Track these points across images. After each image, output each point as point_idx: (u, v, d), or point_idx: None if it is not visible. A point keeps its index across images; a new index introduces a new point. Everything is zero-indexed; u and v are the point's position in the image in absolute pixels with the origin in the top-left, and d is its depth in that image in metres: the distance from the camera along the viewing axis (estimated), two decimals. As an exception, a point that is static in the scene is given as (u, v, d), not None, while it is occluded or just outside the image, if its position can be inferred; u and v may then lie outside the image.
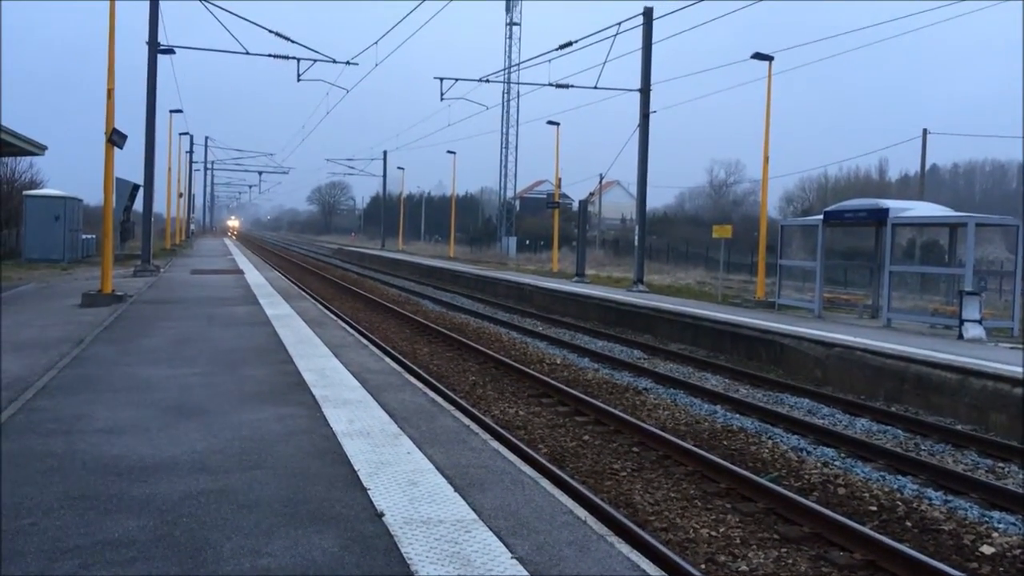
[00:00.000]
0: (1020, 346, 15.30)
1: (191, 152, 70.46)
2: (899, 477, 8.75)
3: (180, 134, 58.31)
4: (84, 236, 37.88)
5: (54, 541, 4.38)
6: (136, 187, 33.79)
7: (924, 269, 22.40)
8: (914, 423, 11.24)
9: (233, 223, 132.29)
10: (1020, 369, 11.68)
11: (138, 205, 33.15)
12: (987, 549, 6.76)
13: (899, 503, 7.86)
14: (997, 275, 26.39)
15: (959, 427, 11.09)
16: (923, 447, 10.21)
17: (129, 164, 24.80)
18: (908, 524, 7.37)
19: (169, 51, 27.70)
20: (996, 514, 7.64)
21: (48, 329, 13.17)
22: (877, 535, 6.62)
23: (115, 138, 17.72)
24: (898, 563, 6.15)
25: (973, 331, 15.80)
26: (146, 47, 25.84)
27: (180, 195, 64.76)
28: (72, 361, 10.08)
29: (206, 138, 76.66)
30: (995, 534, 7.09)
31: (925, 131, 43.50)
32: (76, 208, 35.62)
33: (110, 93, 17.52)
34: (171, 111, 47.50)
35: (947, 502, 7.94)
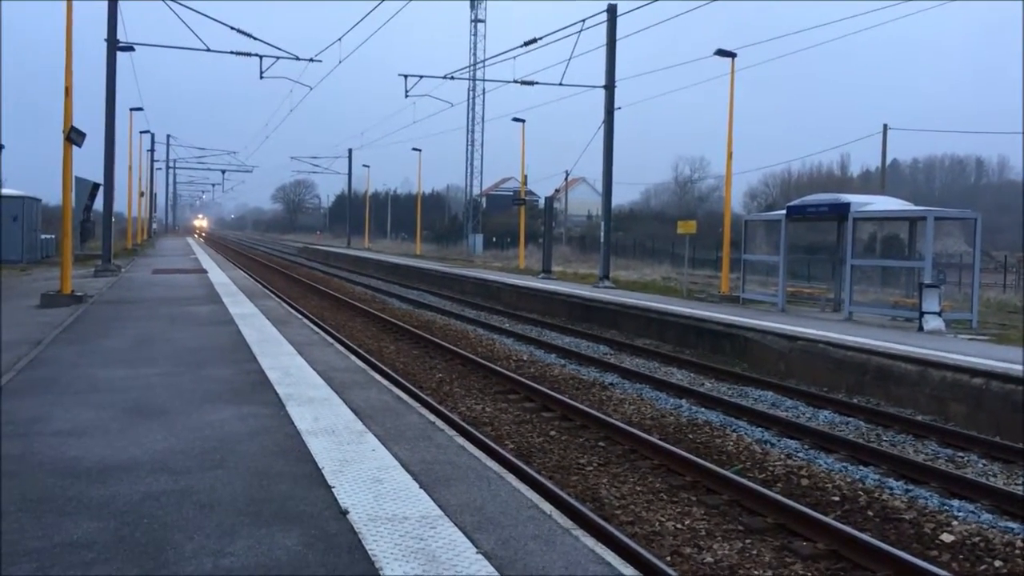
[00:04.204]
0: (980, 337, 15.56)
1: (152, 150, 69.69)
2: (861, 467, 8.86)
3: (141, 132, 57.63)
4: (43, 236, 37.22)
5: (11, 544, 4.29)
6: (96, 186, 33.33)
7: (885, 262, 22.68)
8: (875, 414, 11.39)
9: (200, 222, 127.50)
10: (979, 360, 11.88)
11: (98, 204, 32.73)
12: (947, 537, 6.86)
13: (861, 493, 7.96)
14: (956, 268, 26.79)
15: (919, 418, 11.25)
16: (884, 438, 10.35)
17: (89, 163, 24.50)
18: (870, 513, 7.47)
19: (128, 48, 27.30)
20: (956, 503, 7.76)
21: (5, 331, 12.93)
22: (840, 525, 6.70)
23: (74, 136, 17.44)
24: (860, 552, 6.23)
25: (933, 323, 16.03)
26: (104, 44, 25.46)
27: (141, 194, 63.91)
28: (30, 363, 9.90)
29: (168, 136, 75.82)
30: (955, 522, 7.20)
31: (886, 127, 44.17)
32: (34, 208, 35.01)
33: (68, 91, 17.24)
34: (131, 109, 46.92)
35: (908, 491, 8.05)
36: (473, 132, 68.50)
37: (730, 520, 7.12)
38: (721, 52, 24.41)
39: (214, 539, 4.43)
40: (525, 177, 43.67)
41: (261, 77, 27.13)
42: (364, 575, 4.03)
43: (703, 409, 11.47)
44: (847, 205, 18.49)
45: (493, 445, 8.71)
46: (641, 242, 54.80)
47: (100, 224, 33.66)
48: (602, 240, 28.59)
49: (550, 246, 34.16)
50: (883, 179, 46.83)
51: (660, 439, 9.47)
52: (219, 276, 26.48)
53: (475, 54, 63.39)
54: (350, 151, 74.98)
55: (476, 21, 66.10)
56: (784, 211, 20.72)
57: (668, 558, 6.27)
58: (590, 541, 4.60)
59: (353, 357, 11.16)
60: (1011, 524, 7.21)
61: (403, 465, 5.88)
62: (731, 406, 11.54)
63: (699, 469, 8.19)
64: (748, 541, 6.66)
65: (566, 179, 58.15)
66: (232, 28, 24.66)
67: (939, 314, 16.23)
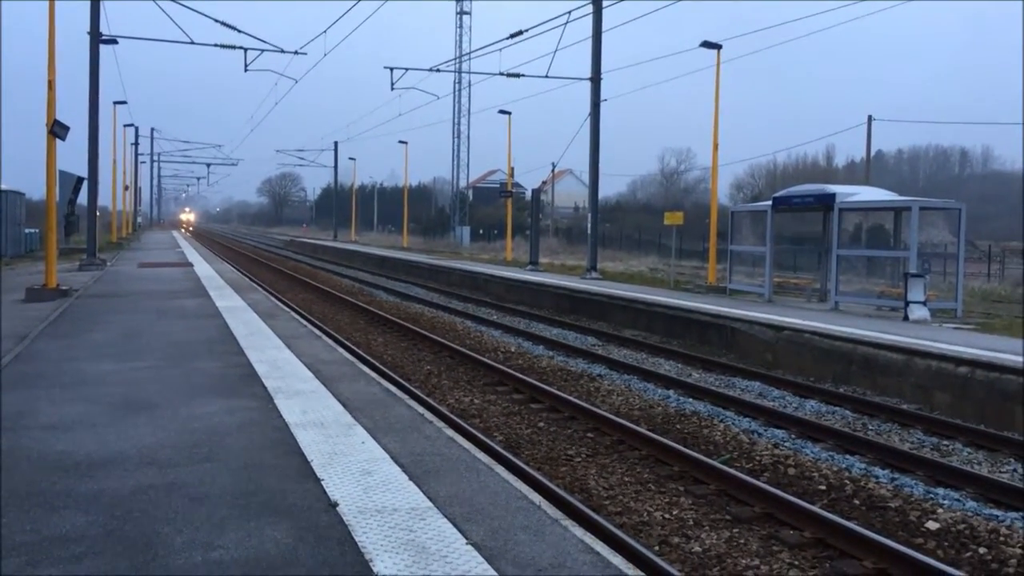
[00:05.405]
0: (965, 326, 15.67)
1: (136, 144, 69.31)
2: (847, 456, 8.92)
3: (125, 126, 57.29)
4: (27, 230, 37.02)
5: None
6: (80, 180, 33.08)
7: (870, 252, 22.80)
8: (861, 403, 11.46)
9: (187, 216, 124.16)
10: (964, 349, 11.97)
11: (82, 198, 32.48)
12: (932, 525, 6.92)
13: (847, 482, 8.01)
14: (941, 257, 26.96)
15: (905, 406, 11.33)
16: (870, 427, 10.43)
17: (72, 156, 24.31)
18: (856, 502, 7.52)
19: (112, 41, 27.10)
20: (941, 491, 7.83)
21: (-10, 325, 12.85)
22: (826, 513, 6.74)
23: (57, 130, 17.31)
24: (847, 540, 6.28)
25: (918, 312, 16.13)
26: (88, 37, 25.28)
27: (126, 188, 63.59)
28: (15, 358, 9.85)
29: (152, 130, 75.58)
30: (940, 510, 7.26)
31: (870, 118, 44.30)
32: (18, 202, 34.82)
33: (51, 84, 17.13)
34: (115, 102, 46.56)
35: (893, 480, 8.12)
36: (459, 124, 68.33)
37: (718, 509, 7.16)
38: (707, 44, 24.46)
39: (204, 532, 4.43)
40: (512, 169, 43.62)
41: (246, 70, 27.04)
42: (354, 567, 4.04)
43: (691, 399, 11.51)
44: (832, 196, 18.58)
45: (482, 437, 8.73)
46: (628, 233, 54.88)
47: (84, 218, 33.45)
48: (589, 232, 28.60)
49: (537, 238, 34.18)
50: (868, 170, 47.01)
51: (648, 430, 9.50)
52: (205, 269, 26.38)
53: (461, 47, 63.19)
54: (336, 144, 74.83)
55: (461, 14, 65.88)
56: (770, 202, 20.79)
57: (656, 547, 6.30)
58: (579, 531, 4.63)
59: (341, 350, 11.15)
60: (995, 511, 7.28)
61: (392, 457, 5.89)
62: (718, 396, 11.59)
63: (687, 459, 8.23)
64: (736, 530, 6.70)
65: (553, 171, 58.14)
66: (216, 21, 24.55)
67: (924, 303, 16.33)
